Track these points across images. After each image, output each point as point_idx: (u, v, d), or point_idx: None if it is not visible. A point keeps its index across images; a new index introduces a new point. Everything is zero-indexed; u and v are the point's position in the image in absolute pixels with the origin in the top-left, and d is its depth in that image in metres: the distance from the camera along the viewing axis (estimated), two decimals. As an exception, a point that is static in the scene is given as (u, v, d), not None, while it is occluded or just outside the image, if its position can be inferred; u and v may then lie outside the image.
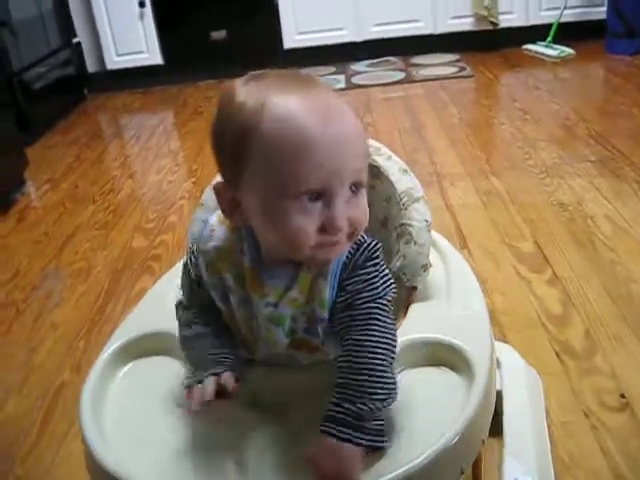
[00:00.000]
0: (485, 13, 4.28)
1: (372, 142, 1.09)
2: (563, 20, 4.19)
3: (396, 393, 0.77)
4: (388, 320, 0.79)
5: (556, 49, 4.17)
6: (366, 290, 0.79)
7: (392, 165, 1.06)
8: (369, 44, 4.49)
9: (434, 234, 1.07)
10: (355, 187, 0.76)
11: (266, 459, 0.76)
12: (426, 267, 0.99)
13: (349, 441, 0.72)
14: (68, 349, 1.82)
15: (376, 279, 0.80)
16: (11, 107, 3.31)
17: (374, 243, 0.81)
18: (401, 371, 0.87)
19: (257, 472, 0.75)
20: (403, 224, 1.00)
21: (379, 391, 0.75)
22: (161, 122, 3.96)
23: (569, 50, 4.13)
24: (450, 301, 0.98)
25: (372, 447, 0.74)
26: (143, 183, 3.04)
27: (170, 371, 0.91)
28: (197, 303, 0.87)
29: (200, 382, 0.78)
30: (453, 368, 0.87)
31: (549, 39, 4.24)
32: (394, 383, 0.77)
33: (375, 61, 4.49)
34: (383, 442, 0.74)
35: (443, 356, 0.88)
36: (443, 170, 2.69)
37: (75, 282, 2.18)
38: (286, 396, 0.83)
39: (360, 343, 0.76)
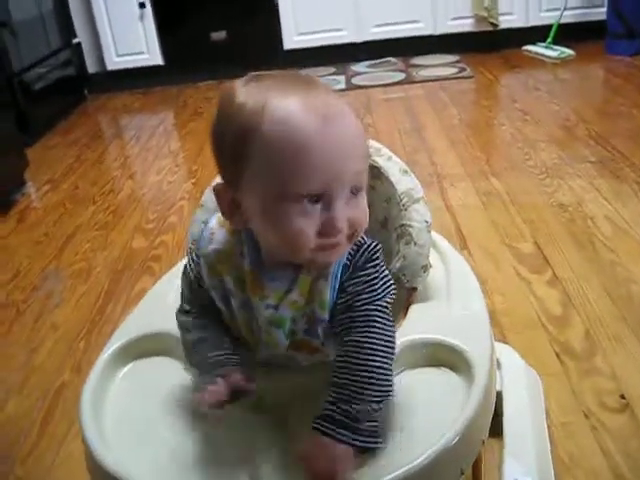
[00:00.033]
0: (485, 14, 4.29)
1: (372, 143, 1.09)
2: (563, 21, 4.19)
3: (392, 395, 0.77)
4: (387, 322, 0.79)
5: (556, 50, 4.18)
6: (366, 292, 0.79)
7: (392, 166, 1.06)
8: (369, 45, 4.49)
9: (434, 235, 1.07)
10: (355, 189, 0.76)
11: (266, 460, 0.76)
12: (426, 268, 0.99)
13: (343, 441, 0.72)
14: (68, 350, 1.82)
15: (376, 280, 0.80)
16: (11, 107, 3.30)
17: (374, 244, 0.81)
18: (401, 372, 0.87)
19: (257, 472, 0.75)
20: (403, 225, 1.00)
21: (376, 393, 0.75)
22: (161, 123, 3.96)
23: (569, 51, 4.13)
24: (450, 302, 0.98)
25: (365, 448, 0.74)
26: (143, 184, 3.04)
27: (170, 372, 0.91)
28: (197, 303, 0.87)
29: (210, 384, 0.78)
30: (453, 369, 0.87)
31: (549, 40, 4.24)
32: (391, 385, 0.77)
33: (375, 62, 4.49)
34: (376, 443, 0.74)
35: (443, 357, 0.88)
36: (443, 171, 2.69)
37: (75, 283, 2.19)
38: (286, 397, 0.83)
39: (359, 344, 0.76)
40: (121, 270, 2.22)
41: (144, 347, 0.96)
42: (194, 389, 0.81)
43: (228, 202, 0.79)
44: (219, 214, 0.84)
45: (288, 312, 0.81)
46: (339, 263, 0.80)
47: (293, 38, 4.48)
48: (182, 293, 0.89)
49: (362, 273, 0.80)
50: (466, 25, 4.42)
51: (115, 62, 4.53)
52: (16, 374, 1.74)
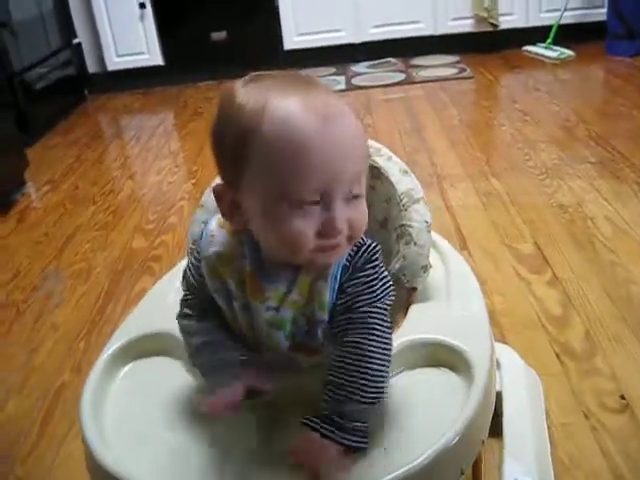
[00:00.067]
0: (485, 14, 4.29)
1: (372, 143, 1.09)
2: (563, 22, 4.19)
3: (385, 397, 0.78)
4: (386, 324, 0.79)
5: (556, 50, 4.18)
6: (365, 293, 0.79)
7: (392, 166, 1.06)
8: (369, 45, 4.49)
9: (434, 235, 1.07)
10: (355, 190, 0.76)
11: (265, 460, 0.77)
12: (426, 268, 0.99)
13: (331, 438, 0.73)
14: (68, 350, 1.82)
15: (375, 282, 0.80)
16: (12, 107, 3.31)
17: (373, 245, 0.81)
18: (401, 372, 0.87)
19: (256, 473, 0.75)
20: (403, 225, 1.00)
21: (370, 394, 0.76)
22: (161, 123, 3.96)
23: (569, 52, 4.13)
24: (450, 302, 0.98)
25: (353, 447, 0.74)
26: (143, 184, 3.05)
27: (170, 371, 0.91)
28: (198, 307, 0.86)
29: (224, 386, 0.77)
30: (453, 369, 0.87)
31: (549, 40, 4.24)
32: (385, 387, 0.78)
33: (375, 62, 4.49)
34: (365, 443, 0.75)
35: (443, 357, 0.88)
36: (443, 171, 2.69)
37: (75, 283, 2.19)
38: (286, 398, 0.83)
39: (357, 346, 0.77)
40: (121, 270, 2.22)
41: (144, 347, 0.96)
42: (207, 392, 0.79)
43: (228, 203, 0.79)
44: (218, 216, 0.84)
45: (289, 313, 0.81)
46: (338, 264, 0.80)
47: (293, 38, 4.48)
48: (183, 297, 0.89)
49: (361, 274, 0.80)
50: (466, 25, 4.42)
51: (115, 62, 4.53)
52: (16, 374, 1.74)
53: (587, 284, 1.81)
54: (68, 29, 4.42)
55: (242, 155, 0.73)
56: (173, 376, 0.90)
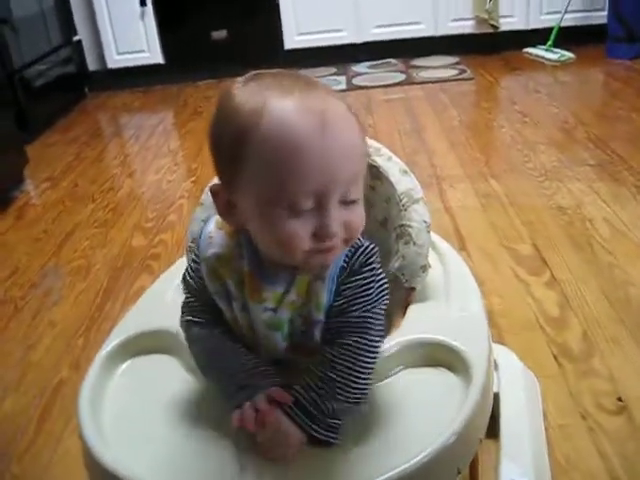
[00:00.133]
0: (486, 16, 4.29)
1: (372, 143, 1.09)
2: (564, 24, 4.19)
3: (365, 401, 0.79)
4: (378, 328, 0.80)
5: (556, 53, 4.18)
6: (361, 297, 0.80)
7: (392, 166, 1.06)
8: (370, 45, 4.49)
9: (433, 235, 1.07)
10: (351, 192, 0.75)
11: (264, 458, 0.77)
12: (425, 268, 0.99)
13: (300, 426, 0.75)
14: (66, 347, 1.82)
15: (371, 284, 0.80)
16: (11, 105, 3.30)
17: (371, 247, 0.82)
18: (399, 371, 0.87)
19: (255, 470, 0.75)
20: (402, 225, 1.00)
21: (354, 395, 0.77)
22: (161, 121, 3.96)
23: (569, 54, 4.14)
24: (448, 302, 0.99)
25: (322, 441, 0.76)
26: (142, 182, 3.04)
27: (169, 369, 0.91)
28: (201, 311, 0.86)
29: (249, 399, 0.77)
30: (451, 369, 0.87)
31: (549, 43, 4.24)
32: (367, 391, 0.79)
33: (376, 63, 4.49)
34: (335, 439, 0.76)
35: (441, 357, 0.88)
36: (442, 172, 2.69)
37: (74, 280, 2.19)
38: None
39: (348, 348, 0.78)
40: (120, 268, 2.22)
41: (143, 344, 0.96)
42: (232, 404, 0.78)
43: (224, 203, 0.78)
44: (217, 217, 0.84)
45: (286, 314, 0.81)
46: (336, 265, 0.80)
47: (294, 38, 4.48)
48: (185, 301, 0.88)
49: (358, 277, 0.80)
50: (467, 27, 4.42)
51: (115, 60, 4.53)
52: (13, 371, 1.74)
53: (585, 286, 1.81)
54: (68, 26, 4.41)
55: (238, 155, 0.73)
56: (171, 374, 0.90)
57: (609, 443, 1.30)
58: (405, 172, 1.06)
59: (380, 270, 0.82)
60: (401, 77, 4.17)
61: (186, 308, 0.88)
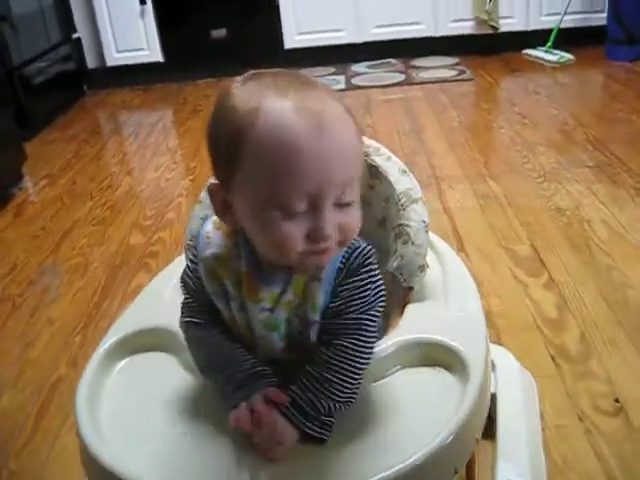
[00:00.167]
0: (486, 17, 4.29)
1: (371, 142, 1.09)
2: (563, 25, 4.19)
3: (354, 400, 0.80)
4: (374, 331, 0.81)
5: (556, 54, 4.18)
6: (358, 299, 0.80)
7: (391, 166, 1.06)
8: (369, 45, 4.49)
9: (432, 235, 1.07)
10: (347, 195, 0.74)
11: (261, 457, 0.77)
12: (423, 268, 0.99)
13: (296, 425, 0.76)
14: (64, 344, 1.82)
15: (368, 286, 0.80)
16: (11, 102, 3.30)
17: (368, 248, 0.82)
18: (396, 371, 0.88)
19: (253, 467, 0.75)
20: (401, 224, 1.00)
21: (343, 395, 0.78)
22: (160, 120, 3.96)
23: (569, 55, 4.14)
24: (446, 302, 0.99)
25: (314, 437, 0.77)
26: (141, 180, 3.04)
27: (166, 367, 0.91)
28: (200, 311, 0.86)
29: (245, 399, 0.77)
30: (448, 368, 0.87)
31: (549, 44, 4.24)
32: (357, 391, 0.80)
33: (375, 63, 4.49)
34: (326, 436, 0.77)
35: (438, 356, 0.88)
36: (442, 173, 2.69)
37: (72, 277, 2.18)
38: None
39: (344, 349, 0.79)
40: (118, 266, 2.22)
41: (140, 342, 0.96)
42: (228, 405, 0.78)
43: (221, 203, 0.78)
44: (214, 217, 0.84)
45: (283, 314, 0.81)
46: (333, 266, 0.80)
47: (294, 37, 4.48)
48: (184, 301, 0.88)
49: (355, 279, 0.80)
50: (467, 28, 4.42)
51: (115, 58, 4.53)
52: (11, 368, 1.74)
53: (583, 287, 1.81)
54: (68, 24, 4.41)
55: (234, 155, 0.73)
56: (169, 371, 0.91)
57: (606, 444, 1.30)
58: (404, 172, 1.06)
59: (377, 272, 0.82)
60: (400, 77, 4.17)
61: (185, 309, 0.88)
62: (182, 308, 0.88)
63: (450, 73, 4.16)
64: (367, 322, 0.80)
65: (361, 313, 0.80)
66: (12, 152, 2.98)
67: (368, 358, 0.80)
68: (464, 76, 4.08)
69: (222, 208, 0.79)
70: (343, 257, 0.80)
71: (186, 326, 0.87)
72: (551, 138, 2.98)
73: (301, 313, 0.81)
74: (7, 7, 3.57)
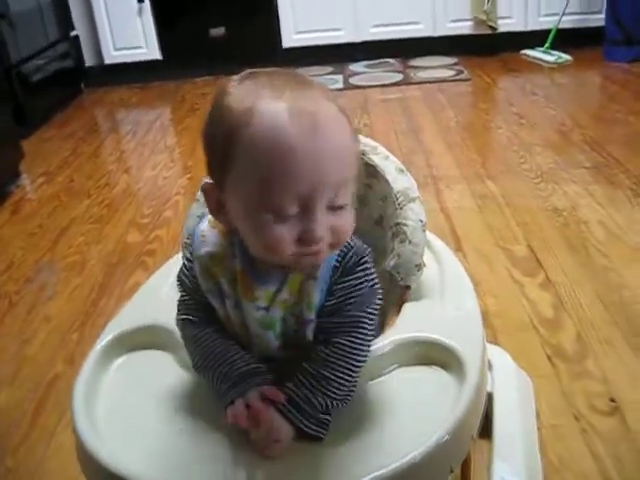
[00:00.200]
0: (484, 17, 4.29)
1: (369, 141, 1.09)
2: (561, 26, 4.20)
3: (351, 397, 0.80)
4: (370, 328, 0.81)
5: (554, 55, 4.19)
6: (354, 296, 0.80)
7: (389, 164, 1.06)
8: (368, 45, 4.49)
9: (429, 235, 1.07)
10: (339, 198, 0.74)
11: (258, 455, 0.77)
12: (420, 267, 0.99)
13: (292, 423, 0.76)
14: (61, 341, 1.82)
15: (364, 284, 0.81)
16: (9, 99, 3.30)
17: (363, 247, 0.82)
18: (393, 370, 0.88)
19: (250, 465, 0.75)
20: (398, 223, 1.00)
21: (340, 392, 0.78)
22: (158, 118, 3.96)
23: (567, 56, 4.14)
24: (443, 301, 0.99)
25: (310, 435, 0.77)
26: (139, 178, 3.04)
27: (163, 364, 0.91)
28: (195, 309, 0.86)
29: (241, 396, 0.78)
30: (444, 367, 0.87)
31: (547, 45, 4.25)
32: (354, 388, 0.80)
33: (373, 62, 4.49)
34: (322, 434, 0.78)
35: (435, 355, 0.88)
36: (439, 172, 2.70)
37: (69, 275, 2.18)
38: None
39: (342, 347, 0.79)
40: (115, 264, 2.22)
41: (138, 340, 0.96)
42: (224, 402, 0.78)
43: (215, 202, 0.78)
44: (209, 217, 0.84)
45: (279, 313, 0.81)
46: (328, 265, 0.80)
47: (292, 36, 4.48)
48: (180, 299, 0.88)
49: (351, 277, 0.80)
50: (465, 28, 4.43)
51: (113, 56, 4.53)
52: (8, 365, 1.74)
53: (580, 288, 1.81)
54: (66, 21, 4.40)
55: (228, 154, 0.72)
56: (166, 369, 0.91)
57: (602, 444, 1.30)
58: (401, 171, 1.06)
59: (373, 270, 0.83)
60: (398, 77, 4.17)
61: (181, 306, 0.88)
62: (178, 306, 0.88)
63: (448, 73, 4.16)
64: (364, 320, 0.80)
65: (357, 311, 0.80)
66: (9, 149, 2.98)
67: (365, 356, 0.80)
68: (462, 76, 4.08)
69: (216, 207, 0.79)
70: (339, 256, 0.80)
71: (182, 324, 0.87)
72: (548, 139, 2.98)
73: (297, 312, 0.81)
74: (5, 4, 3.57)
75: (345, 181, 0.74)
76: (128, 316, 1.01)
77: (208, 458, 0.76)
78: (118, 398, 0.88)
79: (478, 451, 1.19)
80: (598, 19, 4.21)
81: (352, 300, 0.80)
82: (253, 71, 0.77)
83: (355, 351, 0.79)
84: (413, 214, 1.01)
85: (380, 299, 0.83)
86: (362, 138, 1.07)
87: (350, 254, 0.80)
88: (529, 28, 4.37)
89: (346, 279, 0.80)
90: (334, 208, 0.74)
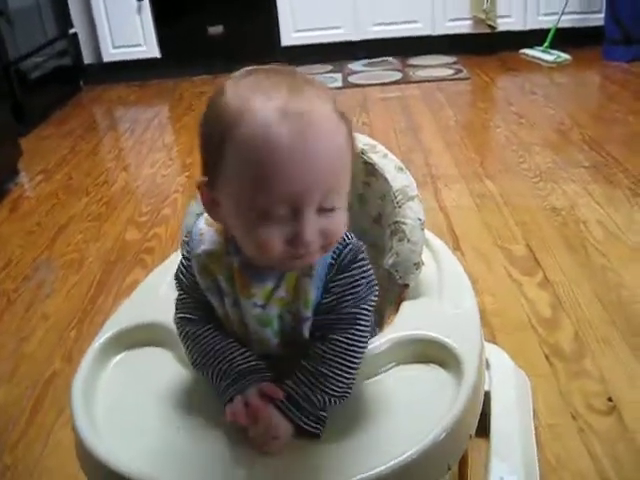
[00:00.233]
0: (483, 16, 4.30)
1: (368, 140, 1.09)
2: (561, 25, 4.20)
3: (349, 394, 0.80)
4: (367, 324, 0.81)
5: (553, 54, 4.19)
6: (350, 294, 0.80)
7: (388, 163, 1.06)
8: (367, 43, 4.49)
9: (427, 233, 1.07)
10: (330, 201, 0.73)
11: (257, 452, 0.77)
12: (418, 265, 0.99)
13: (291, 420, 0.76)
14: (59, 339, 1.81)
15: (360, 281, 0.81)
16: (7, 97, 3.30)
17: (359, 244, 0.82)
18: (391, 368, 0.88)
19: (249, 462, 0.75)
20: (397, 222, 1.00)
21: (338, 389, 0.78)
22: (156, 116, 3.96)
23: (566, 55, 4.14)
24: (441, 299, 0.99)
25: (308, 432, 0.77)
26: (137, 176, 3.04)
27: (162, 362, 0.91)
28: (194, 307, 0.86)
29: (240, 393, 0.78)
30: (442, 365, 0.87)
31: (546, 44, 4.25)
32: (352, 385, 0.80)
33: (372, 61, 4.49)
34: (320, 430, 0.78)
35: (432, 353, 0.88)
36: (438, 171, 2.70)
37: (67, 273, 2.18)
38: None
39: (339, 343, 0.79)
40: (113, 261, 2.22)
41: (136, 337, 0.96)
42: (224, 399, 0.79)
43: (209, 200, 0.78)
44: (206, 215, 0.84)
45: (275, 310, 0.81)
46: (324, 262, 0.80)
47: (291, 35, 4.48)
48: (178, 297, 0.88)
49: (347, 274, 0.80)
50: (464, 27, 4.43)
51: (111, 54, 4.52)
52: (6, 363, 1.74)
53: (578, 287, 1.81)
54: (64, 19, 4.40)
55: (220, 154, 0.72)
56: (164, 366, 0.91)
57: (599, 443, 1.30)
58: (400, 169, 1.06)
59: (369, 267, 0.83)
60: (398, 76, 4.17)
61: (179, 305, 0.88)
62: (176, 304, 0.88)
63: (447, 72, 4.16)
64: (360, 316, 0.80)
65: (354, 308, 0.80)
66: (8, 147, 2.97)
67: (362, 352, 0.81)
68: (461, 75, 4.09)
69: (210, 205, 0.78)
70: (334, 253, 0.80)
71: (180, 322, 0.87)
72: (547, 138, 2.98)
73: (293, 309, 0.81)
74: (4, 2, 3.57)
75: (337, 183, 0.73)
76: (126, 314, 1.01)
77: (207, 455, 0.76)
78: (117, 395, 0.88)
79: (476, 449, 1.19)
80: (597, 18, 4.21)
81: (348, 297, 0.80)
82: (251, 69, 0.77)
83: (352, 348, 0.79)
84: (412, 212, 1.01)
85: (376, 295, 0.83)
86: (361, 136, 1.07)
87: (346, 251, 0.80)
88: (528, 27, 4.38)
89: (342, 276, 0.80)
90: (325, 210, 0.73)
